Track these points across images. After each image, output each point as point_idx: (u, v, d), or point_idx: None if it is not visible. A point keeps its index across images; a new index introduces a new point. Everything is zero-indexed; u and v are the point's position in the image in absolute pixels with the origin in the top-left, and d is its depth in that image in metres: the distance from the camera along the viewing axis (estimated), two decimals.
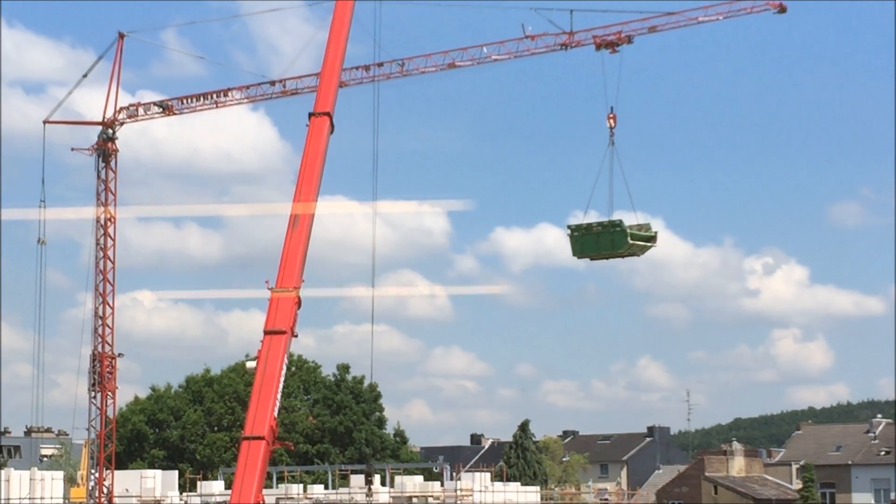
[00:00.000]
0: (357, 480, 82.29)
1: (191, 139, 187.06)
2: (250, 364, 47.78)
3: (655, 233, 65.98)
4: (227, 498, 50.89)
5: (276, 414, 44.76)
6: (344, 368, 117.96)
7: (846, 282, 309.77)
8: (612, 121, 62.67)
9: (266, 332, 46.13)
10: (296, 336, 47.11)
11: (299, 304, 47.44)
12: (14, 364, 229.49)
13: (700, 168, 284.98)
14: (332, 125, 51.53)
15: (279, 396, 45.12)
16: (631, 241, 64.15)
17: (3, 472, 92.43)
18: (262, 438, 44.32)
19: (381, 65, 72.60)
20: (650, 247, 66.22)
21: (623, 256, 66.92)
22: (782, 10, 65.69)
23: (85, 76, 78.88)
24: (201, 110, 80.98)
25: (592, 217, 62.99)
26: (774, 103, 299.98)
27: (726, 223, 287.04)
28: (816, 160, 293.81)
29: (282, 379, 45.40)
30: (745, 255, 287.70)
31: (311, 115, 50.87)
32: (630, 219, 62.43)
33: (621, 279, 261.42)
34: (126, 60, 77.08)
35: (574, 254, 65.26)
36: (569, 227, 64.25)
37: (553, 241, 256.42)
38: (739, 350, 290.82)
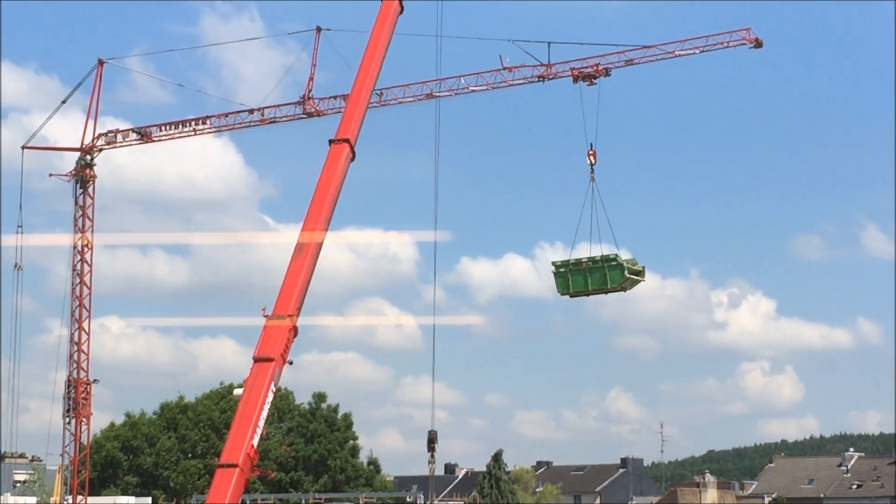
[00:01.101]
0: None
1: (153, 166, 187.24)
2: (237, 391, 47.71)
3: (643, 267, 65.52)
4: None
5: (255, 442, 44.54)
6: (319, 397, 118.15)
7: (812, 314, 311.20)
8: (592, 157, 62.43)
9: (255, 360, 46.07)
10: (290, 363, 46.98)
11: (295, 332, 47.30)
12: None
13: (666, 200, 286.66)
14: (353, 153, 51.07)
15: (261, 424, 44.99)
16: (626, 276, 63.73)
17: None
18: (235, 466, 44.29)
19: None
20: (640, 281, 65.79)
21: (609, 293, 65.87)
22: (758, 44, 66.12)
23: (64, 102, 78.88)
24: (179, 138, 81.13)
25: (581, 252, 62.79)
26: (743, 136, 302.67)
27: (692, 255, 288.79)
28: (779, 194, 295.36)
29: (266, 407, 45.18)
30: (711, 288, 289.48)
31: (330, 141, 50.55)
32: (597, 251, 62.42)
33: (588, 310, 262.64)
34: (88, 86, 77.22)
35: (559, 291, 64.16)
36: (553, 263, 63.60)
37: (519, 271, 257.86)
38: (708, 382, 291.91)
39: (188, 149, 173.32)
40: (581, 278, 62.96)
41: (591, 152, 62.50)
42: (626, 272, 62.20)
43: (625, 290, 65.41)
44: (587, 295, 65.04)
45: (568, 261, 62.77)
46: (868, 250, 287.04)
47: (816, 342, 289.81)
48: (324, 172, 50.29)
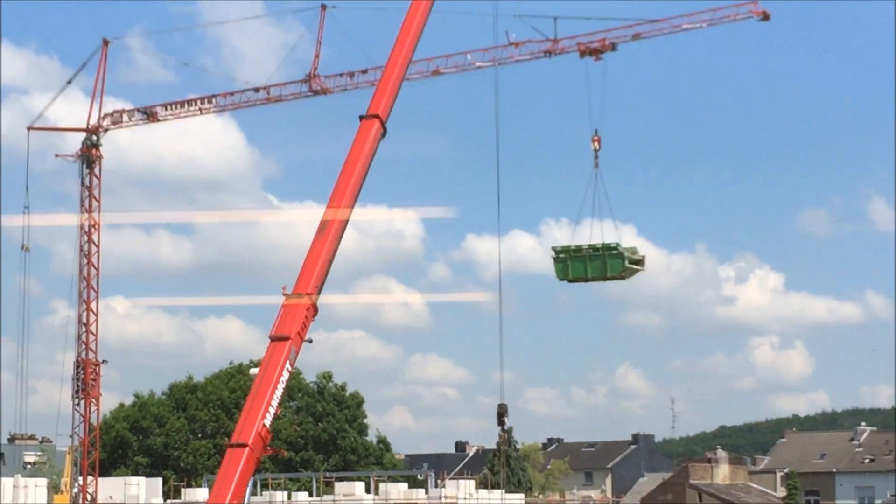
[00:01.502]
0: (341, 487, 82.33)
1: (153, 145, 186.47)
2: (253, 371, 47.56)
3: (643, 256, 65.10)
4: None
5: (267, 422, 44.33)
6: (326, 377, 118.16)
7: (820, 288, 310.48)
8: (596, 143, 62.09)
9: (271, 339, 45.84)
10: (309, 342, 46.64)
11: (315, 311, 46.92)
12: None
13: (673, 175, 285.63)
14: (384, 130, 50.52)
15: (274, 404, 44.77)
16: (626, 265, 62.95)
17: None
18: (245, 446, 44.21)
19: (365, 72, 72.90)
20: (640, 270, 65.27)
21: (608, 280, 65.59)
22: (766, 17, 65.95)
23: (69, 83, 78.84)
24: (184, 117, 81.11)
25: (584, 232, 62.46)
26: (749, 111, 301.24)
27: (699, 230, 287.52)
28: (786, 168, 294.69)
29: (280, 386, 44.89)
30: (718, 263, 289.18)
31: (361, 117, 50.03)
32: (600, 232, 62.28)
33: (595, 288, 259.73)
34: (90, 66, 77.21)
35: (558, 277, 63.35)
36: (554, 248, 62.89)
37: (526, 248, 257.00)
38: (717, 358, 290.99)
39: (189, 128, 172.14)
40: (581, 265, 62.48)
41: (595, 138, 61.99)
42: (626, 261, 61.52)
43: (624, 279, 65.33)
44: (586, 281, 64.26)
45: (568, 247, 62.15)
46: (875, 224, 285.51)
47: (825, 316, 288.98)
48: (353, 148, 49.73)
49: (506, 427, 55.05)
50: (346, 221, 48.11)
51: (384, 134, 50.03)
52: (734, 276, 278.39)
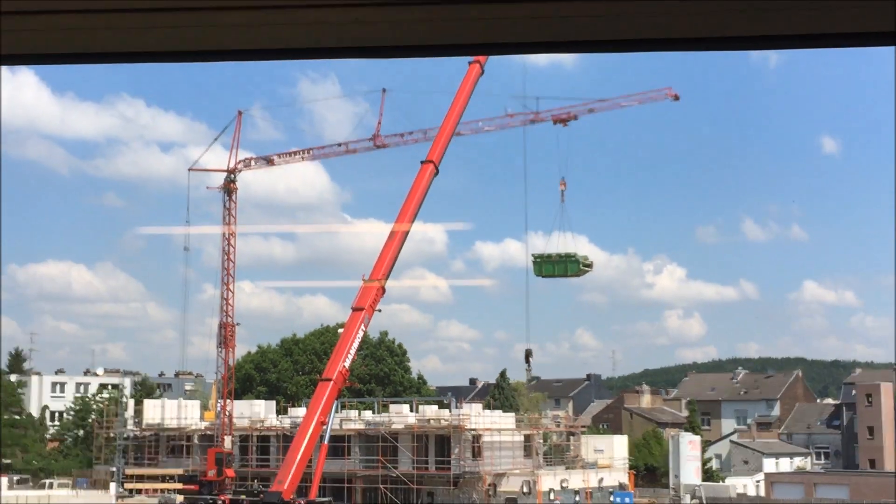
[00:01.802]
0: (393, 408, 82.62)
1: (269, 181, 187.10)
2: (340, 330, 48.07)
3: (592, 262, 69.23)
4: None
5: (346, 364, 45.07)
6: (383, 334, 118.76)
7: (710, 278, 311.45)
8: (562, 185, 63.38)
9: (352, 309, 46.37)
10: (379, 311, 47.14)
11: (383, 291, 47.42)
12: (163, 330, 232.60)
13: (613, 200, 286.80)
14: (436, 170, 50.70)
15: (352, 352, 45.40)
16: (581, 268, 66.62)
17: (161, 400, 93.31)
18: (330, 380, 44.80)
19: (411, 133, 73.28)
20: (588, 270, 69.00)
21: (568, 277, 68.20)
22: (676, 98, 66.60)
23: (216, 140, 79.63)
24: (291, 163, 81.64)
25: (553, 246, 64.40)
26: (664, 158, 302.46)
27: (630, 238, 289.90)
28: (688, 197, 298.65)
29: (356, 341, 45.61)
30: (642, 261, 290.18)
31: (421, 161, 50.42)
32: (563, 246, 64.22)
33: (561, 279, 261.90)
34: (228, 129, 77.77)
35: (535, 273, 65.60)
36: (533, 255, 65.06)
37: (514, 251, 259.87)
38: (642, 324, 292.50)
39: (292, 170, 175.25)
40: (550, 267, 64.51)
41: (562, 182, 63.23)
42: (580, 265, 64.96)
43: (579, 276, 68.75)
44: (553, 277, 66.49)
45: (542, 254, 63.99)
46: (745, 235, 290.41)
47: (714, 296, 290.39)
48: (414, 183, 50.35)
49: (530, 365, 55.54)
50: (407, 233, 48.75)
51: (436, 174, 50.43)
52: (653, 270, 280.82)
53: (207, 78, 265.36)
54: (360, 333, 46.44)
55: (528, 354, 56.20)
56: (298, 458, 45.07)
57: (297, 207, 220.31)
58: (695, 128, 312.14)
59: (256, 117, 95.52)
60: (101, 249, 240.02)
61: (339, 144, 76.82)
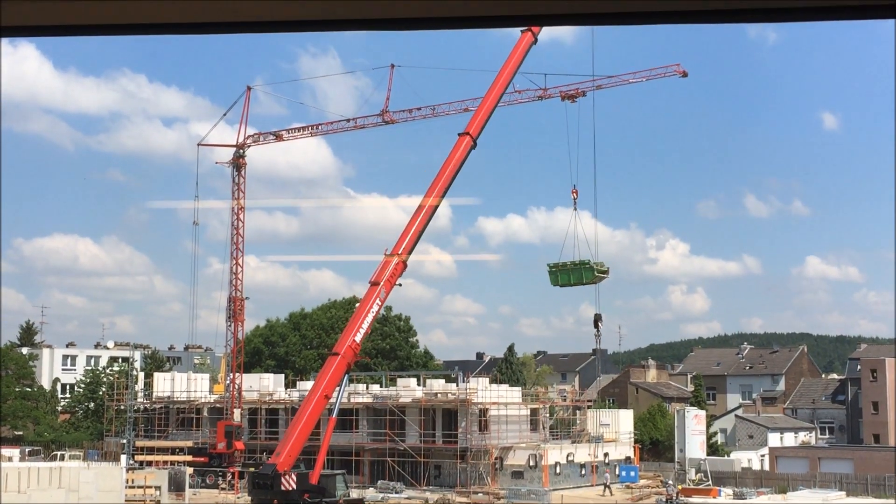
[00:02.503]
0: (401, 382, 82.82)
1: (271, 157, 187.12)
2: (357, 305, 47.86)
3: (608, 269, 65.65)
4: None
5: (357, 338, 44.91)
6: (388, 309, 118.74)
7: (713, 253, 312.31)
8: (574, 193, 61.73)
9: (370, 283, 46.15)
10: (399, 286, 46.66)
11: (404, 266, 46.80)
12: (170, 304, 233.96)
13: (618, 177, 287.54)
14: (474, 144, 49.38)
15: (364, 326, 45.26)
16: (596, 274, 63.82)
17: (171, 373, 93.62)
18: (337, 354, 44.77)
19: (419, 108, 73.15)
20: (605, 277, 65.59)
21: (584, 285, 65.56)
22: (685, 74, 66.34)
23: (224, 115, 79.44)
24: (300, 138, 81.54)
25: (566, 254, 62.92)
26: (669, 135, 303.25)
27: (632, 214, 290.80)
28: (690, 173, 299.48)
29: (370, 315, 45.33)
30: (645, 236, 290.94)
31: (459, 133, 49.20)
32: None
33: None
34: (218, 99, 77.62)
35: (552, 283, 63.67)
36: (548, 265, 63.17)
37: (517, 225, 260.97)
38: (645, 299, 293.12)
39: (293, 145, 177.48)
40: (566, 275, 62.83)
41: (574, 190, 61.72)
42: (595, 272, 62.41)
43: (594, 284, 64.87)
44: (570, 286, 64.37)
45: (558, 263, 62.15)
46: (748, 211, 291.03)
47: (717, 272, 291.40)
48: (449, 155, 49.12)
49: (599, 330, 54.01)
50: (436, 207, 47.66)
51: (474, 146, 49.26)
52: (655, 245, 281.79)
53: (209, 53, 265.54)
54: (376, 308, 45.99)
55: (598, 319, 54.93)
56: (297, 431, 44.94)
57: (299, 182, 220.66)
58: (694, 104, 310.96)
59: (259, 92, 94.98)
60: (107, 223, 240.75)
61: (348, 120, 76.71)
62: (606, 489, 62.95)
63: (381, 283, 46.32)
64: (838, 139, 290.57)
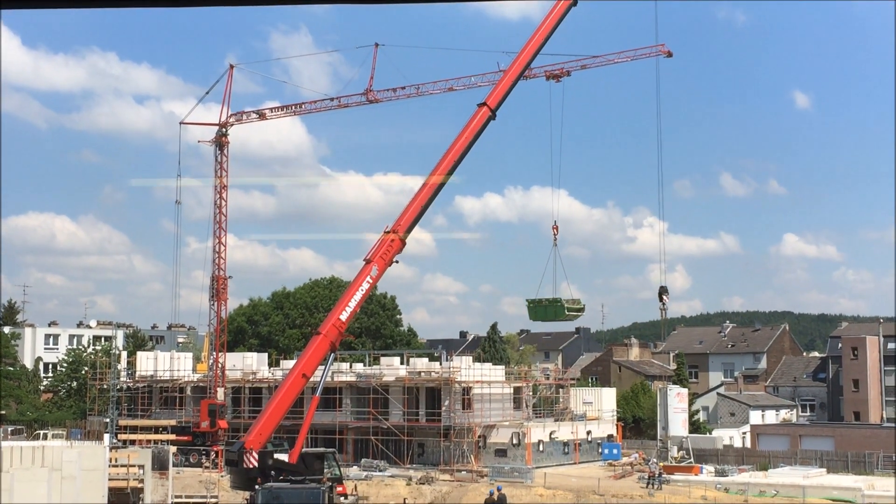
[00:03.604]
0: (384, 360, 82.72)
1: (244, 136, 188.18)
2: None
3: (583, 305, 68.49)
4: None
5: (342, 317, 44.37)
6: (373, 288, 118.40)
7: (691, 231, 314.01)
8: (555, 230, 62.04)
9: (364, 261, 45.55)
10: (396, 262, 45.97)
11: (402, 244, 45.96)
12: (151, 283, 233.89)
13: (596, 154, 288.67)
14: (493, 116, 47.87)
15: (351, 305, 44.74)
16: (567, 313, 67.16)
17: (154, 352, 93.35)
18: (319, 334, 44.44)
19: (403, 88, 72.86)
20: (579, 315, 69.01)
21: (558, 321, 69.87)
22: (669, 54, 66.05)
23: (207, 93, 78.93)
24: (283, 117, 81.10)
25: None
26: (648, 114, 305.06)
27: (609, 191, 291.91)
28: (665, 151, 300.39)
29: (358, 294, 44.74)
30: (623, 214, 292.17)
31: (478, 104, 47.72)
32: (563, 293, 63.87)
33: (543, 230, 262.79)
34: (196, 79, 77.16)
35: (530, 318, 67.24)
36: (527, 300, 66.28)
37: (494, 205, 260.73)
38: (625, 278, 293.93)
39: (267, 124, 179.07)
40: (542, 311, 65.53)
41: (554, 227, 62.03)
42: (566, 311, 65.42)
43: (569, 320, 71.25)
44: (545, 321, 68.46)
45: (535, 299, 64.55)
46: (724, 190, 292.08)
47: (695, 250, 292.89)
48: (465, 127, 47.60)
49: (665, 303, 53.49)
50: (442, 185, 46.46)
51: (492, 118, 47.82)
52: (633, 223, 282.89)
53: (180, 32, 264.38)
54: (366, 286, 45.32)
55: (663, 291, 54.28)
56: (270, 409, 44.55)
57: (273, 161, 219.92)
58: (682, 82, 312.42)
59: (234, 70, 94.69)
60: (83, 202, 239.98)
61: (332, 99, 76.38)
62: (650, 485, 61.85)
63: (373, 261, 45.72)
64: (810, 118, 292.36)
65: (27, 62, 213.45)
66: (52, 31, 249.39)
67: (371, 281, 45.16)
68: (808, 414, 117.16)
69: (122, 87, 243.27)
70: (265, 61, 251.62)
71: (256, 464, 41.94)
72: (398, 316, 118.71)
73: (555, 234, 61.90)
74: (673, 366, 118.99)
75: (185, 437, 74.35)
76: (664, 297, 53.55)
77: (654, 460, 69.44)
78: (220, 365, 77.05)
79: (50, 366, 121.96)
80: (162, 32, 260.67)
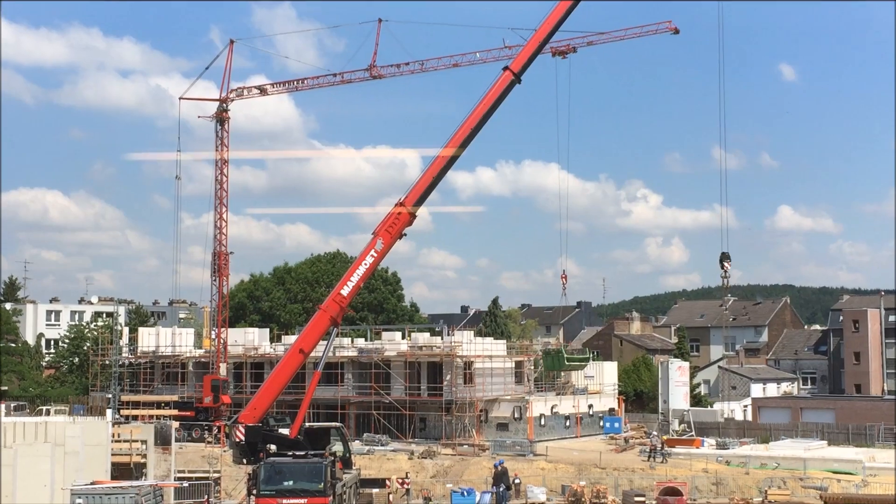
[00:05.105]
0: (386, 335, 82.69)
1: (233, 110, 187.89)
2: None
3: (588, 357, 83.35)
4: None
5: (344, 292, 44.09)
6: None
7: (685, 204, 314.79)
8: (564, 280, 59.94)
9: (372, 234, 45.19)
10: (404, 235, 45.47)
11: (412, 218, 45.37)
12: (148, 259, 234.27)
13: (594, 127, 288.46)
14: (518, 79, 46.74)
15: (354, 279, 44.41)
16: (567, 363, 79.09)
17: (156, 328, 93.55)
18: (321, 310, 44.31)
19: (407, 63, 72.70)
20: (584, 365, 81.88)
21: (570, 371, 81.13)
22: (676, 31, 66.05)
23: (207, 69, 78.67)
24: (283, 93, 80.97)
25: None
26: (649, 88, 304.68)
27: (601, 165, 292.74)
28: (657, 126, 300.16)
29: (361, 267, 44.35)
30: (616, 188, 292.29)
31: (502, 68, 46.72)
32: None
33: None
34: (195, 55, 76.81)
35: (545, 369, 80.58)
36: (542, 351, 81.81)
37: (487, 178, 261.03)
38: (621, 252, 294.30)
39: (251, 101, 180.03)
40: (551, 361, 79.94)
41: (563, 276, 60.81)
42: (565, 362, 78.99)
43: (578, 371, 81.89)
44: (554, 370, 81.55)
45: (547, 350, 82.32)
46: (715, 162, 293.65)
47: (690, 222, 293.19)
48: (486, 93, 46.49)
49: (726, 271, 51.55)
50: (454, 158, 45.45)
51: (517, 82, 46.71)
52: (626, 196, 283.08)
53: (163, 6, 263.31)
54: (370, 260, 44.87)
55: (725, 258, 51.30)
56: (265, 384, 44.56)
57: (262, 136, 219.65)
58: (687, 60, 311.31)
59: (220, 46, 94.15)
60: (73, 177, 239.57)
61: (335, 74, 76.11)
62: (651, 457, 62.14)
63: (378, 234, 45.24)
64: (799, 90, 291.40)
65: (9, 36, 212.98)
66: (32, 5, 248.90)
67: (376, 255, 44.60)
68: (810, 387, 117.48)
69: (107, 61, 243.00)
70: (256, 37, 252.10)
71: (243, 437, 41.97)
72: (400, 291, 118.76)
73: (563, 285, 60.19)
74: (674, 339, 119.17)
75: (188, 413, 74.62)
76: (725, 264, 50.91)
77: (656, 433, 69.70)
78: (222, 340, 77.21)
79: (52, 342, 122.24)
80: (144, 6, 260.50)
